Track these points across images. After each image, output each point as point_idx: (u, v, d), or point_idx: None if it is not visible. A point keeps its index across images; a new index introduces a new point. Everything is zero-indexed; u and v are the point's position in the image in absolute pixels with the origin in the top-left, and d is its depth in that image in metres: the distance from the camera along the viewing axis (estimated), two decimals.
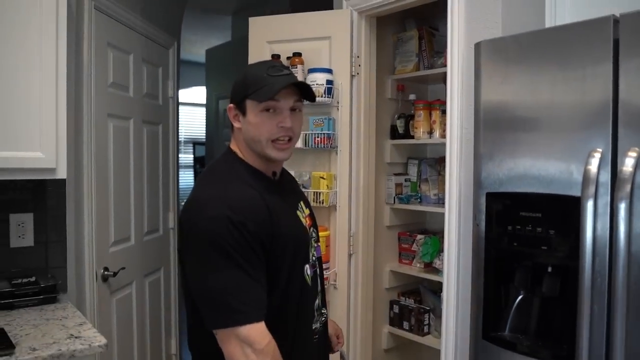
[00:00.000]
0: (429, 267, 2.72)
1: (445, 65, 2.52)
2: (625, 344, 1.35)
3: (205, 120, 6.06)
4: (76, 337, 1.68)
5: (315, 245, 1.47)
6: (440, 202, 2.71)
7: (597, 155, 1.42)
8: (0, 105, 1.75)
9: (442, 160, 2.77)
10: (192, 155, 7.36)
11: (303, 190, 2.47)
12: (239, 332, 1.18)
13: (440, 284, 2.69)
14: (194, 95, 6.79)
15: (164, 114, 3.16)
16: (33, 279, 2.05)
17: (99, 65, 2.39)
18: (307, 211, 1.49)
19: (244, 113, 1.32)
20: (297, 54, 2.43)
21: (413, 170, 2.85)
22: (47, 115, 1.85)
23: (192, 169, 7.20)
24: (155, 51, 3.01)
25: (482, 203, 1.71)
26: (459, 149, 2.06)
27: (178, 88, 3.33)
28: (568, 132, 1.51)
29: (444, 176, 2.67)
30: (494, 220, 1.68)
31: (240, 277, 1.19)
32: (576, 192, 1.44)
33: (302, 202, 1.49)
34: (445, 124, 2.54)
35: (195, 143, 7.27)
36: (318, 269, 1.47)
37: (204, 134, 6.47)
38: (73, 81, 2.16)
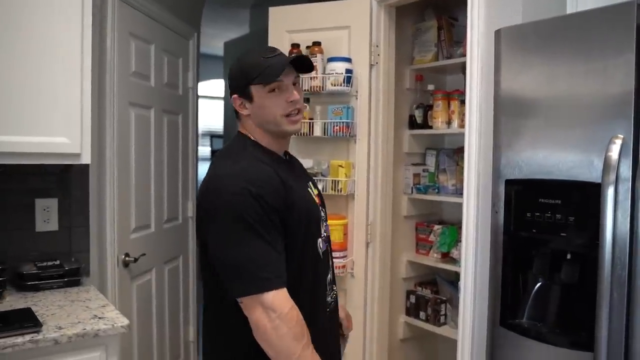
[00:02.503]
0: (446, 257, 2.73)
1: (464, 55, 2.51)
2: None
3: (223, 113, 6.10)
4: (100, 318, 1.72)
5: (325, 224, 1.52)
6: (458, 192, 2.71)
7: (619, 142, 1.42)
8: (27, 91, 1.80)
9: (460, 150, 2.76)
10: (209, 148, 7.42)
11: (322, 178, 2.51)
12: (263, 299, 1.23)
13: (457, 275, 2.69)
14: (211, 88, 6.84)
15: (184, 105, 3.20)
16: (57, 262, 2.10)
17: (121, 54, 2.43)
18: (315, 191, 1.54)
19: (250, 99, 1.38)
20: (317, 43, 2.44)
21: (431, 161, 2.85)
22: (72, 101, 1.89)
23: (209, 162, 7.25)
24: (176, 42, 3.04)
25: (500, 191, 1.72)
26: (477, 139, 2.06)
27: (198, 79, 3.36)
28: (589, 119, 1.50)
29: (462, 166, 2.68)
30: (513, 208, 1.69)
31: (263, 247, 1.26)
32: (596, 179, 1.45)
33: (310, 183, 1.56)
34: (464, 114, 2.54)
35: (212, 136, 7.32)
36: (329, 246, 1.53)
37: (221, 127, 6.52)
38: (96, 69, 2.20)
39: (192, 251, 3.31)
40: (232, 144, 1.46)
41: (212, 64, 6.12)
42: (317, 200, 1.51)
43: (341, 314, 1.66)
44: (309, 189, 1.49)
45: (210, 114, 6.72)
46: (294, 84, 1.41)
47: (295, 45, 2.48)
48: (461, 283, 2.15)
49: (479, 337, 2.05)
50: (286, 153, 1.52)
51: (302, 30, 2.46)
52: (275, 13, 2.61)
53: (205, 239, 1.34)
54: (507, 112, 1.71)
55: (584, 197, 1.50)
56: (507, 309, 1.70)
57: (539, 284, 1.65)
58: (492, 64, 1.80)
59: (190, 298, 3.32)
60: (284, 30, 2.52)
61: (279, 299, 1.25)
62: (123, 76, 2.46)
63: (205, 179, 1.37)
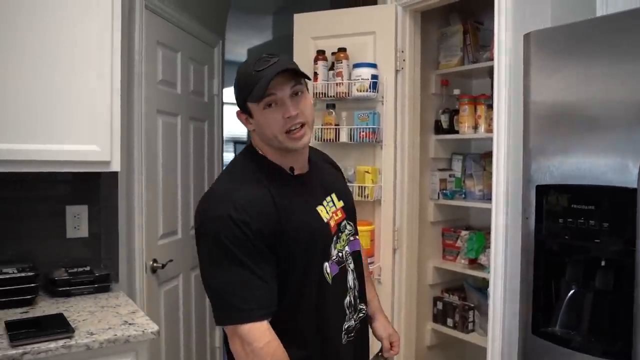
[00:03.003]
0: (474, 263, 2.70)
1: (491, 59, 2.50)
2: None
3: None
4: (130, 324, 1.73)
5: (352, 239, 1.43)
6: (485, 198, 2.68)
7: None
8: (58, 99, 1.82)
9: (487, 155, 2.74)
10: (233, 154, 7.48)
11: (348, 184, 2.49)
12: (240, 330, 1.19)
13: (485, 281, 2.66)
14: (232, 95, 6.88)
15: (210, 111, 3.23)
16: (88, 268, 2.12)
17: (149, 62, 2.46)
18: (339, 203, 1.43)
19: (250, 115, 1.30)
20: (342, 49, 2.44)
21: (457, 166, 2.83)
22: (102, 109, 1.91)
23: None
24: (202, 50, 3.07)
25: (531, 196, 1.69)
26: (506, 143, 2.04)
27: (223, 86, 3.39)
28: (623, 123, 1.47)
29: (489, 171, 2.66)
30: (544, 214, 1.66)
31: (243, 275, 1.19)
32: (632, 183, 1.42)
33: (332, 195, 1.42)
34: (490, 119, 2.52)
35: (236, 142, 7.37)
36: (352, 264, 1.42)
37: (245, 133, 6.56)
38: (125, 77, 2.23)
39: None
40: (238, 157, 1.41)
41: (235, 71, 6.16)
42: (338, 215, 1.40)
43: (382, 332, 1.60)
44: (322, 206, 1.37)
45: (234, 120, 6.77)
46: (295, 94, 1.27)
47: (321, 52, 2.48)
48: (490, 290, 2.12)
49: (509, 345, 2.02)
50: (292, 168, 1.36)
51: (327, 37, 2.47)
52: (300, 20, 2.62)
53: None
54: (538, 116, 1.69)
55: (618, 203, 1.47)
56: (540, 317, 1.67)
57: (572, 291, 1.62)
58: (520, 67, 1.78)
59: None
60: (309, 37, 2.53)
61: (255, 331, 1.19)
62: (151, 84, 2.49)
63: (203, 194, 1.33)
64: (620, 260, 1.48)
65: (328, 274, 1.33)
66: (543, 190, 1.66)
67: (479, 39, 2.74)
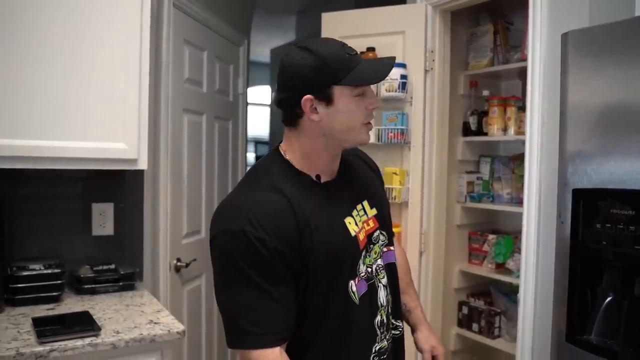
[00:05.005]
0: (501, 267, 2.64)
1: (522, 60, 2.45)
2: None
3: (269, 120, 6.14)
4: (155, 323, 1.72)
5: (385, 250, 1.32)
6: (514, 201, 2.63)
7: None
8: (87, 98, 1.83)
9: (516, 158, 2.69)
10: (254, 154, 7.48)
11: None
12: (249, 355, 1.11)
13: (512, 286, 2.62)
14: (257, 94, 6.90)
15: (234, 110, 3.22)
16: (113, 266, 2.12)
17: (175, 61, 2.46)
18: (372, 211, 1.30)
19: (329, 102, 1.13)
20: (371, 49, 2.41)
21: (485, 169, 2.78)
22: (130, 107, 1.91)
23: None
24: (227, 48, 3.07)
25: (567, 200, 1.64)
26: (539, 146, 1.99)
27: (248, 85, 3.38)
28: None
29: (517, 174, 2.61)
30: (581, 218, 1.61)
31: (257, 297, 1.09)
32: None
33: (364, 203, 1.29)
34: (521, 121, 2.47)
35: (257, 142, 7.38)
36: (385, 278, 1.30)
37: (266, 134, 6.57)
38: (152, 75, 2.23)
39: None
40: (261, 161, 1.27)
41: (258, 71, 6.19)
42: (370, 225, 1.28)
43: (424, 344, 1.48)
44: (352, 217, 1.24)
45: (256, 121, 6.79)
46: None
47: None
48: (520, 295, 2.07)
49: (540, 353, 1.97)
50: (318, 176, 1.24)
51: (355, 36, 2.43)
52: (328, 19, 2.60)
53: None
54: (576, 118, 1.64)
55: None
56: (574, 324, 1.62)
57: (609, 299, 1.57)
58: (554, 67, 1.73)
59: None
60: (337, 36, 2.48)
61: (265, 358, 1.10)
62: (177, 82, 2.49)
63: (220, 202, 1.21)
64: None
65: (354, 293, 1.20)
66: (580, 194, 1.60)
67: (509, 39, 2.68)
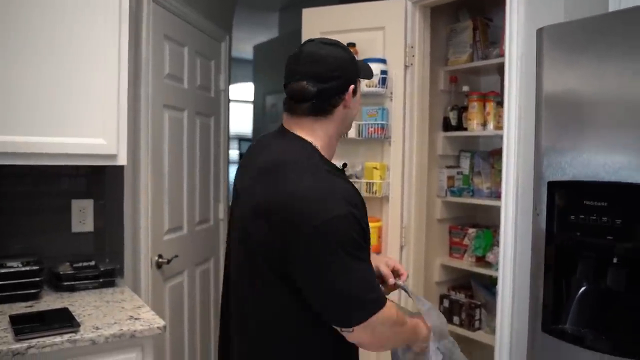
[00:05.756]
0: (481, 261, 2.67)
1: (501, 55, 2.48)
2: None
3: (252, 116, 6.12)
4: (136, 319, 1.72)
5: None
6: (493, 195, 2.66)
7: None
8: (65, 92, 1.81)
9: (495, 152, 2.72)
10: (237, 151, 7.45)
11: (356, 180, 2.48)
12: (377, 318, 1.19)
13: (492, 279, 2.65)
14: (239, 91, 6.88)
15: (216, 107, 3.21)
16: (92, 263, 2.11)
17: (155, 56, 2.44)
18: None
19: (355, 92, 1.32)
20: (351, 45, 2.42)
21: (465, 163, 2.80)
22: (109, 102, 1.90)
23: (237, 165, 7.28)
24: (208, 44, 3.06)
25: (543, 192, 1.67)
26: (516, 140, 2.02)
27: (230, 82, 3.37)
28: (638, 120, 1.45)
29: (497, 169, 2.64)
30: (556, 210, 1.64)
31: (367, 268, 1.23)
32: None
33: None
34: (499, 116, 2.50)
35: (241, 139, 7.35)
36: None
37: (250, 131, 6.55)
38: (132, 72, 2.22)
39: (222, 254, 3.31)
40: (295, 151, 1.26)
41: (240, 68, 6.16)
42: None
43: (382, 268, 1.52)
44: None
45: (240, 118, 6.76)
46: None
47: None
48: (499, 287, 2.10)
49: (517, 343, 2.00)
50: None
51: (336, 32, 2.43)
52: (308, 14, 2.60)
53: (297, 260, 1.18)
54: (550, 112, 1.67)
55: (633, 200, 1.45)
56: (549, 314, 1.65)
57: (582, 289, 1.60)
58: (531, 62, 1.75)
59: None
60: (318, 32, 2.50)
61: (386, 309, 1.22)
62: (157, 78, 2.47)
63: (288, 192, 1.17)
64: (634, 258, 1.45)
65: None
66: (555, 186, 1.63)
67: (489, 35, 2.71)
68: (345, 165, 1.40)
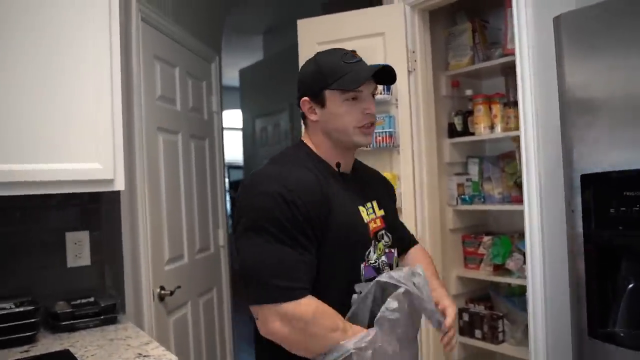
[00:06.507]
0: (499, 269, 2.56)
1: (504, 55, 2.41)
2: None
3: (242, 143, 6.01)
4: (145, 356, 1.57)
5: (387, 250, 1.37)
6: (506, 200, 2.57)
7: None
8: (57, 116, 1.68)
9: (505, 156, 2.63)
10: (227, 179, 7.32)
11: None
12: (283, 309, 1.16)
13: (511, 287, 2.54)
14: (229, 119, 6.78)
15: (210, 129, 3.10)
16: (92, 299, 1.95)
17: (147, 77, 2.33)
18: (380, 212, 1.40)
19: (322, 105, 1.30)
20: (352, 51, 2.33)
21: (474, 169, 2.71)
22: (103, 124, 1.77)
23: (226, 194, 7.15)
24: (199, 65, 2.96)
25: (576, 187, 1.57)
26: (535, 138, 1.93)
27: (222, 104, 3.27)
28: None
29: (508, 173, 2.55)
30: (592, 204, 1.53)
31: (286, 253, 1.17)
32: None
33: (374, 202, 1.40)
34: (508, 117, 2.42)
35: (230, 167, 7.22)
36: None
37: (240, 158, 6.44)
38: (124, 93, 2.09)
39: (225, 281, 3.16)
40: (286, 150, 1.40)
41: (228, 95, 6.06)
42: (377, 223, 1.37)
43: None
44: (364, 207, 1.36)
45: (229, 145, 6.65)
46: (373, 95, 1.34)
47: None
48: (528, 296, 1.98)
49: (554, 353, 1.88)
50: (338, 164, 1.37)
51: (334, 41, 2.34)
52: (304, 25, 2.52)
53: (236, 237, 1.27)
54: (576, 103, 1.58)
55: None
56: (597, 318, 1.53)
57: (630, 286, 1.49)
58: (544, 55, 1.68)
59: (226, 333, 3.15)
60: (315, 42, 2.41)
61: (301, 306, 1.16)
62: (150, 100, 2.36)
63: (247, 176, 1.33)
64: None
65: (361, 276, 1.29)
66: (589, 179, 1.53)
67: (488, 37, 2.65)
68: (338, 164, 1.34)
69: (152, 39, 2.38)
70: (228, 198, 6.99)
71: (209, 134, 3.07)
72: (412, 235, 1.67)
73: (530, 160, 1.94)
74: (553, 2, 1.84)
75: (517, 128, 2.29)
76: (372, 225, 1.34)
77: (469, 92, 2.65)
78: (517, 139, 2.37)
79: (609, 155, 1.50)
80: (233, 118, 6.74)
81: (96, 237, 2.11)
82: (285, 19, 4.31)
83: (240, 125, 6.07)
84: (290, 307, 1.15)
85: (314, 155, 1.34)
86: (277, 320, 1.17)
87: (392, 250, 1.40)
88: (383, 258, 1.35)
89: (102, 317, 1.91)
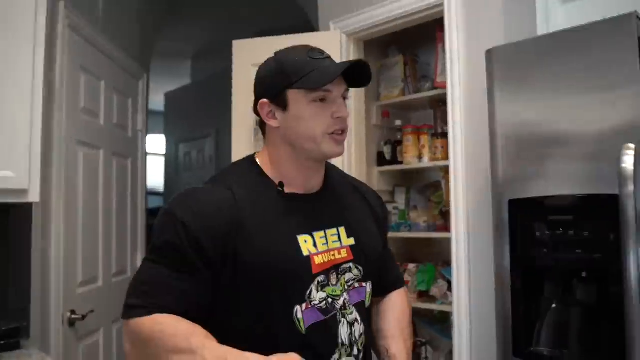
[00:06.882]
0: (423, 296, 2.59)
1: (434, 88, 2.50)
2: None
3: (164, 170, 5.83)
4: None
5: (356, 285, 1.16)
6: (431, 229, 2.62)
7: (631, 152, 1.36)
8: None
9: (431, 186, 2.70)
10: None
11: None
12: (126, 327, 1.04)
13: (434, 314, 2.57)
14: (152, 143, 6.57)
15: (133, 148, 2.97)
16: None
17: (70, 88, 2.21)
18: (347, 241, 1.17)
19: (284, 107, 1.09)
20: None
21: (401, 198, 2.76)
22: (20, 130, 1.65)
23: None
24: (126, 81, 2.85)
25: (504, 212, 1.62)
26: (464, 167, 1.99)
27: (147, 123, 3.15)
28: (596, 132, 1.46)
29: (434, 202, 2.62)
30: (519, 228, 1.59)
31: (159, 273, 1.05)
32: (611, 190, 1.38)
33: (341, 229, 1.18)
34: (435, 147, 2.50)
35: (149, 193, 6.95)
36: (357, 315, 1.15)
37: (161, 185, 6.23)
38: (45, 101, 1.97)
39: None
40: (230, 165, 1.27)
41: (152, 119, 5.89)
42: (331, 254, 1.13)
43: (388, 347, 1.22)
44: (310, 237, 1.12)
45: (150, 171, 6.41)
46: (344, 98, 1.12)
47: None
48: (454, 320, 2.02)
49: None
50: (327, 184, 1.19)
51: None
52: (239, 46, 2.50)
53: None
54: (505, 132, 1.64)
55: (599, 210, 1.43)
56: (521, 338, 1.57)
57: (553, 307, 1.54)
58: (474, 87, 1.75)
59: None
60: (250, 64, 2.39)
61: (146, 321, 1.01)
62: (72, 111, 2.23)
63: None
64: (605, 270, 1.42)
65: (299, 321, 1.07)
66: (517, 204, 1.59)
67: (418, 71, 2.75)
68: (281, 184, 1.13)
69: (78, 48, 2.27)
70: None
71: (132, 153, 2.95)
72: (400, 276, 1.43)
73: (458, 188, 2.01)
74: (483, 36, 1.94)
75: (444, 158, 2.37)
76: (322, 259, 1.12)
77: (398, 123, 2.72)
78: (444, 169, 2.46)
79: (536, 181, 1.56)
80: (155, 143, 6.55)
81: (2, 252, 1.93)
82: (215, 44, 4.28)
83: (163, 151, 5.90)
84: (133, 323, 1.02)
85: (257, 171, 1.15)
86: (126, 340, 1.05)
87: (364, 284, 1.18)
88: (345, 296, 1.13)
89: (2, 342, 1.73)
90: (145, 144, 3.13)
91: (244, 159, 1.21)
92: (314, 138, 1.09)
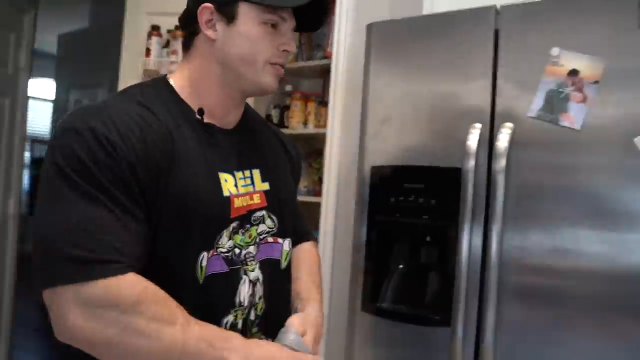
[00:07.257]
0: None
1: (326, 57, 2.59)
2: (497, 309, 1.44)
3: (51, 117, 5.53)
4: None
5: (270, 240, 1.05)
6: (311, 193, 2.73)
7: (476, 131, 1.53)
8: None
9: (314, 152, 2.81)
10: (29, 153, 6.65)
11: None
12: (80, 293, 0.79)
13: None
14: (40, 88, 6.18)
15: (13, 86, 2.82)
16: None
17: None
18: (262, 185, 1.05)
19: (230, 19, 0.94)
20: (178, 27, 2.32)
21: None
22: None
23: (27, 169, 6.48)
24: (8, 13, 2.68)
25: (366, 177, 1.75)
26: (339, 134, 2.11)
27: (32, 61, 2.99)
28: (450, 110, 1.61)
29: (315, 168, 2.73)
30: (377, 193, 1.73)
31: (94, 212, 0.81)
32: (457, 164, 1.54)
33: (255, 171, 1.05)
34: (320, 115, 2.60)
35: (35, 140, 6.58)
36: (261, 275, 1.02)
37: (46, 132, 5.92)
38: None
39: (10, 258, 2.87)
40: (137, 84, 1.03)
41: (41, 61, 5.54)
42: (246, 198, 1.01)
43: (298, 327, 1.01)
44: (230, 176, 0.99)
45: (36, 117, 6.05)
46: (294, 31, 1.02)
47: (156, 28, 2.34)
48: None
49: (334, 329, 2.04)
50: (243, 122, 1.07)
51: (164, 14, 2.31)
52: None
53: None
54: (375, 103, 1.76)
55: (446, 181, 1.59)
56: (368, 295, 1.72)
57: (399, 267, 1.70)
58: (356, 58, 1.84)
59: (3, 313, 2.86)
60: (144, 12, 2.36)
61: (116, 289, 0.80)
62: None
63: None
64: (446, 236, 1.59)
65: (201, 269, 0.92)
66: (378, 171, 1.72)
67: (313, 39, 2.81)
68: (201, 110, 0.98)
69: None
70: (27, 175, 6.36)
71: (11, 91, 2.80)
72: (308, 230, 1.29)
73: (333, 155, 2.12)
74: (371, 12, 2.05)
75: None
76: (240, 203, 0.99)
77: (289, 88, 2.78)
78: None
79: (396, 152, 1.70)
80: (44, 88, 6.19)
81: None
82: None
83: (52, 97, 5.59)
84: (97, 288, 0.79)
85: (172, 94, 0.98)
86: (76, 310, 0.79)
87: (279, 240, 1.07)
88: (251, 249, 1.00)
89: None
90: (27, 85, 2.97)
91: (153, 79, 1.04)
92: (254, 62, 0.96)
